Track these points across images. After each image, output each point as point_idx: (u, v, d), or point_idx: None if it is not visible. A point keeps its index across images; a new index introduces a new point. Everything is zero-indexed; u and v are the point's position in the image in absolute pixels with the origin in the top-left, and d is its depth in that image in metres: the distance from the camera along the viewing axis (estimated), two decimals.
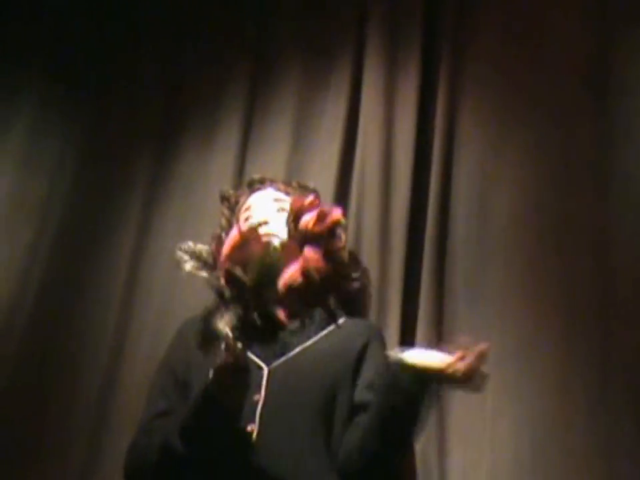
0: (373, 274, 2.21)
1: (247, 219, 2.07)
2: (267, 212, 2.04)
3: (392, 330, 2.18)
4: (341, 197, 2.41)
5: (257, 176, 2.20)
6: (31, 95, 2.94)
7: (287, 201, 2.05)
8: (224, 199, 2.20)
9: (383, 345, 1.97)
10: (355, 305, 2.09)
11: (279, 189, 2.13)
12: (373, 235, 2.30)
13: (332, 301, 1.93)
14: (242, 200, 2.15)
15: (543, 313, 2.09)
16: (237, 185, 2.52)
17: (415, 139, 2.40)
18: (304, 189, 2.14)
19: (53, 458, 2.41)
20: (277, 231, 1.97)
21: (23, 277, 2.65)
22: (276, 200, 2.09)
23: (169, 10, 2.94)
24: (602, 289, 2.05)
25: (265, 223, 2.00)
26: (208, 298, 2.36)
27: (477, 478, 1.99)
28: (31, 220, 2.73)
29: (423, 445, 2.04)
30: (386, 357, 1.88)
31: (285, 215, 1.96)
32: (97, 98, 2.89)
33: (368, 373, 1.87)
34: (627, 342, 1.97)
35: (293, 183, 2.19)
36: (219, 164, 2.63)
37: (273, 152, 2.57)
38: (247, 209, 2.10)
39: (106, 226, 2.69)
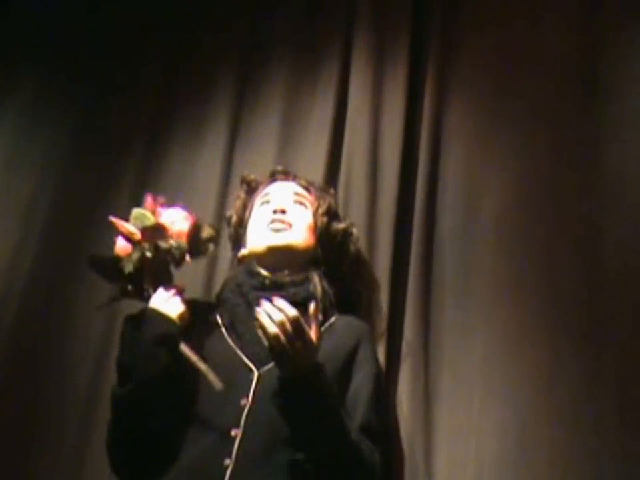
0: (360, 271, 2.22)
1: (263, 203, 2.10)
2: (286, 201, 2.07)
3: (379, 326, 2.17)
4: None
5: (280, 167, 2.23)
6: (20, 93, 2.94)
7: (306, 197, 2.11)
8: (243, 182, 2.23)
9: (372, 345, 1.97)
10: (350, 303, 2.12)
11: (300, 184, 2.15)
12: (360, 232, 2.27)
13: (325, 301, 1.95)
14: (262, 186, 2.17)
15: (530, 313, 2.08)
16: (224, 182, 2.54)
17: (402, 135, 2.38)
18: (323, 191, 2.18)
19: (43, 454, 2.40)
20: (292, 221, 2.01)
21: (9, 277, 2.64)
22: (296, 193, 2.12)
23: (160, 8, 2.93)
24: (590, 289, 2.04)
25: (283, 211, 2.04)
26: (194, 292, 2.40)
27: (463, 478, 1.97)
28: (17, 218, 2.73)
29: (409, 444, 2.04)
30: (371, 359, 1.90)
31: (302, 209, 2.05)
32: (85, 96, 2.88)
33: (356, 379, 1.85)
34: (614, 342, 1.96)
35: (315, 183, 2.22)
36: (206, 161, 2.62)
37: (261, 148, 2.56)
38: (265, 195, 2.12)
39: (93, 224, 2.66)
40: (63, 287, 2.60)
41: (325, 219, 2.07)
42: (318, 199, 2.12)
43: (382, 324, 2.18)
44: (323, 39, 2.64)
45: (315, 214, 2.08)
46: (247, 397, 1.76)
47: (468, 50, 2.43)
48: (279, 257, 1.97)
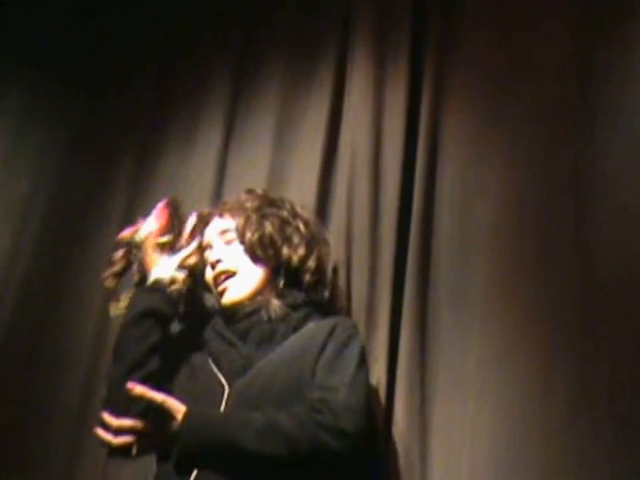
0: (363, 276, 2.21)
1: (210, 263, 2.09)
2: (217, 250, 2.07)
3: (381, 331, 2.16)
4: (323, 197, 2.39)
5: (204, 210, 2.19)
6: (15, 96, 2.94)
7: (231, 231, 2.07)
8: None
9: (343, 336, 1.93)
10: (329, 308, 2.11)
11: (222, 216, 2.12)
12: (363, 237, 2.27)
13: (302, 311, 1.98)
14: (205, 238, 2.13)
15: (525, 318, 2.06)
16: (218, 184, 2.54)
17: (403, 137, 2.36)
18: (253, 198, 2.14)
19: (35, 464, 2.41)
20: (230, 268, 2.04)
21: (3, 277, 2.64)
22: (222, 232, 2.09)
23: (155, 10, 2.94)
24: (584, 295, 2.02)
25: (218, 261, 2.05)
26: None
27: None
28: (12, 220, 2.73)
29: (405, 449, 2.04)
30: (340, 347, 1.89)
31: (233, 245, 2.05)
32: (80, 99, 2.89)
33: (320, 370, 1.86)
34: (608, 348, 1.95)
35: (242, 194, 2.17)
36: (200, 163, 2.61)
37: (254, 152, 2.55)
38: (207, 247, 2.10)
39: (88, 226, 2.69)
40: (58, 288, 2.60)
41: (247, 235, 2.04)
42: (242, 224, 2.07)
43: (384, 327, 2.16)
44: (320, 43, 2.62)
45: (244, 243, 2.05)
46: (220, 408, 1.84)
47: (466, 53, 2.41)
48: (237, 305, 2.01)
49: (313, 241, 2.10)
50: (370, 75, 2.46)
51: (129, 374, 1.85)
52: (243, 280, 2.02)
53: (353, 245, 2.26)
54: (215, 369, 1.94)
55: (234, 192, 2.43)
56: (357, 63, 2.49)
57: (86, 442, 2.33)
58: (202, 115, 2.70)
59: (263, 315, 1.96)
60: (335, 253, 2.17)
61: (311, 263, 2.05)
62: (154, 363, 1.90)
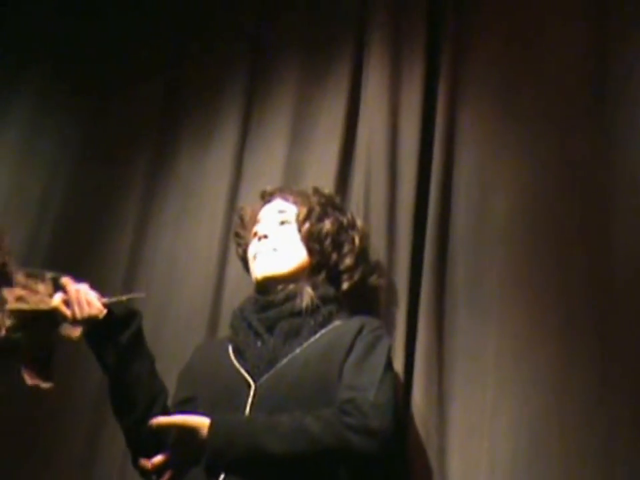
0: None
1: (254, 234, 2.12)
2: (270, 225, 2.09)
3: (398, 326, 2.16)
4: (340, 194, 2.36)
5: (269, 188, 2.23)
6: (29, 93, 2.95)
7: (291, 212, 2.11)
8: (237, 216, 2.27)
9: (371, 336, 1.94)
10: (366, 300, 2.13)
11: (286, 199, 2.15)
12: (380, 232, 2.27)
13: (331, 306, 1.98)
14: (256, 213, 2.18)
15: (542, 312, 2.07)
16: (235, 182, 2.54)
17: (418, 136, 2.36)
18: (320, 195, 2.17)
19: (52, 453, 2.42)
20: (275, 245, 2.04)
21: None
22: (280, 211, 2.12)
23: (168, 8, 2.94)
24: (601, 289, 2.03)
25: (265, 237, 2.07)
26: (204, 295, 2.38)
27: (476, 477, 1.97)
28: (27, 218, 2.73)
29: (423, 445, 2.03)
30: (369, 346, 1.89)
31: (287, 227, 2.07)
32: (95, 96, 2.89)
33: (348, 370, 1.86)
34: (626, 341, 1.95)
35: (309, 189, 2.20)
36: (216, 161, 2.61)
37: (271, 149, 2.55)
38: (256, 223, 2.14)
39: (103, 224, 2.69)
40: None
41: (306, 225, 2.08)
42: (299, 207, 2.12)
43: (401, 325, 2.16)
44: (335, 40, 2.62)
45: (297, 224, 2.09)
46: (245, 409, 1.83)
47: (481, 50, 2.41)
48: (271, 280, 2.04)
49: (363, 257, 2.13)
50: (385, 73, 2.46)
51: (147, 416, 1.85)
52: (284, 257, 2.04)
53: (370, 240, 2.25)
54: (237, 363, 1.93)
55: (251, 190, 2.47)
56: (373, 61, 2.49)
57: (104, 431, 2.35)
58: (217, 113, 2.70)
59: (298, 303, 1.96)
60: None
61: (355, 276, 2.09)
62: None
